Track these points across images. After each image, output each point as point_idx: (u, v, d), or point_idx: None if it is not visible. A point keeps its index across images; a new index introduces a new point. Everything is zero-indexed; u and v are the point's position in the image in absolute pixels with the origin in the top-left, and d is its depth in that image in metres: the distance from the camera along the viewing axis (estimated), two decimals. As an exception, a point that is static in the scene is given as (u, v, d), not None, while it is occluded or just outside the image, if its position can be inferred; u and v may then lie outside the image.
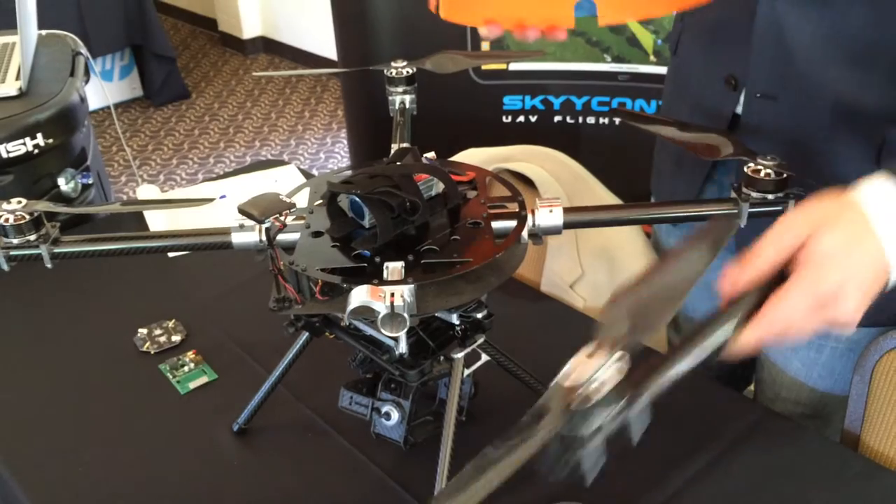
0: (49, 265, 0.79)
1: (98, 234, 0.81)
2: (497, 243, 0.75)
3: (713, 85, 0.96)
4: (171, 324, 1.13)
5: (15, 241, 0.77)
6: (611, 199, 1.19)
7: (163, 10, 4.76)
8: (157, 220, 1.33)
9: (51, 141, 1.32)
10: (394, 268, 0.72)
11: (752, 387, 1.19)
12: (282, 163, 1.57)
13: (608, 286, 1.14)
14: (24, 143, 1.29)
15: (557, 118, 2.06)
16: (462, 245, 0.76)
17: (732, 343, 0.62)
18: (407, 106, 1.06)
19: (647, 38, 1.91)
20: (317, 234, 0.78)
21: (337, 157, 3.43)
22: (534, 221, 0.78)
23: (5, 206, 0.77)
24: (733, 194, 0.79)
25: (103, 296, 1.22)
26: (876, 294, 0.64)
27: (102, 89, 2.88)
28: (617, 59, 1.96)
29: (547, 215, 0.78)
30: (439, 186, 0.81)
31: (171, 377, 1.04)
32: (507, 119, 2.05)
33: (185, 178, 3.31)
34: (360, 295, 0.67)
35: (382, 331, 0.68)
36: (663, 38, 1.90)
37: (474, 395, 0.93)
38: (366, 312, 0.67)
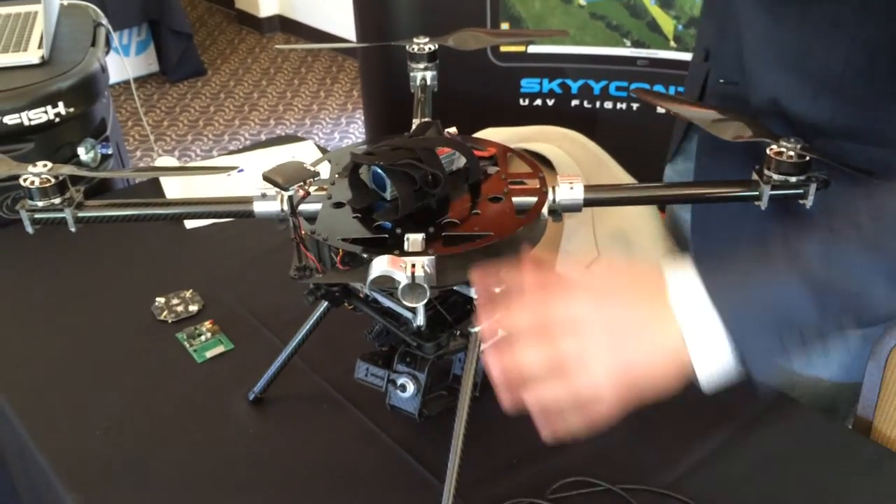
0: (73, 229, 0.79)
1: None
2: (518, 219, 0.76)
3: (698, 55, 0.99)
4: (188, 294, 1.14)
5: (40, 203, 0.78)
6: (629, 181, 1.19)
7: (180, -14, 4.76)
8: (174, 192, 1.34)
9: (72, 110, 1.33)
10: (414, 239, 0.72)
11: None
12: (300, 139, 1.57)
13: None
14: (46, 112, 1.29)
15: (575, 102, 2.05)
16: (482, 219, 0.76)
17: None
18: (428, 82, 1.06)
19: (667, 24, 1.90)
20: (338, 205, 0.79)
21: (352, 137, 3.43)
22: (554, 197, 0.79)
23: (31, 168, 0.77)
24: (755, 176, 0.79)
25: (121, 264, 1.23)
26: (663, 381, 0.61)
27: (123, 63, 2.89)
28: (637, 44, 1.95)
29: (567, 191, 0.79)
30: (461, 161, 0.82)
31: (187, 346, 1.05)
32: (524, 102, 2.05)
33: (200, 154, 3.32)
34: (380, 265, 0.68)
35: (402, 301, 0.68)
36: (684, 23, 1.89)
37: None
38: (386, 282, 0.68)
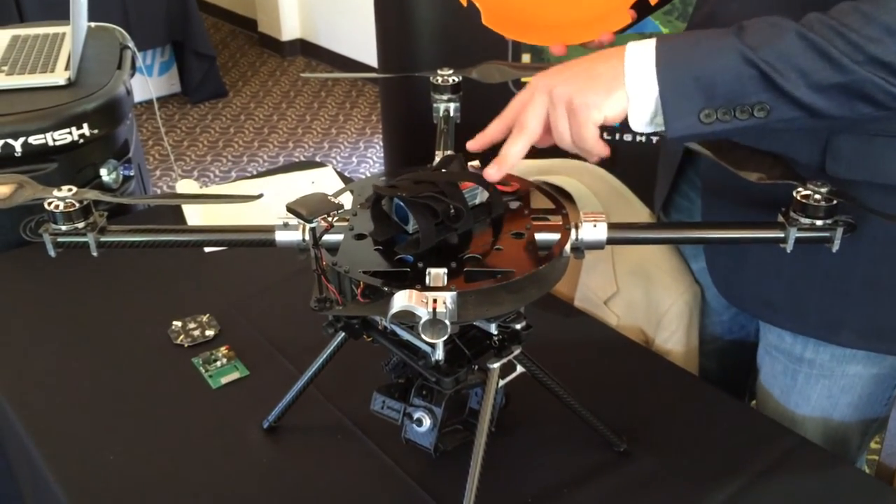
0: (95, 253, 0.80)
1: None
2: (540, 255, 0.75)
3: None
4: (204, 318, 1.14)
5: (63, 227, 0.78)
6: (649, 216, 1.18)
7: (204, 8, 4.81)
8: (194, 216, 1.34)
9: (96, 131, 1.34)
10: (436, 274, 0.72)
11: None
12: (319, 164, 1.58)
13: (643, 304, 1.14)
14: (70, 133, 1.30)
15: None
16: (505, 255, 0.76)
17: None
18: (451, 114, 1.06)
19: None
20: (360, 237, 0.79)
21: (369, 163, 3.44)
22: (577, 235, 0.78)
23: (56, 193, 0.78)
24: (780, 218, 0.78)
25: (138, 286, 1.23)
26: (610, 97, 0.73)
27: (147, 83, 2.92)
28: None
29: (591, 230, 0.78)
30: (483, 195, 0.81)
31: (203, 371, 1.05)
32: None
33: (219, 175, 3.34)
34: (402, 299, 0.67)
35: (423, 336, 0.68)
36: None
37: (505, 406, 0.93)
38: (407, 317, 0.67)
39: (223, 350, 1.08)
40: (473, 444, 0.80)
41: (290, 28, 4.54)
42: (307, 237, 0.78)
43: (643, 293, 1.14)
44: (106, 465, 0.91)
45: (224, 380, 1.03)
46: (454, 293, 0.69)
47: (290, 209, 0.71)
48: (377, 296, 0.73)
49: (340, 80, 4.24)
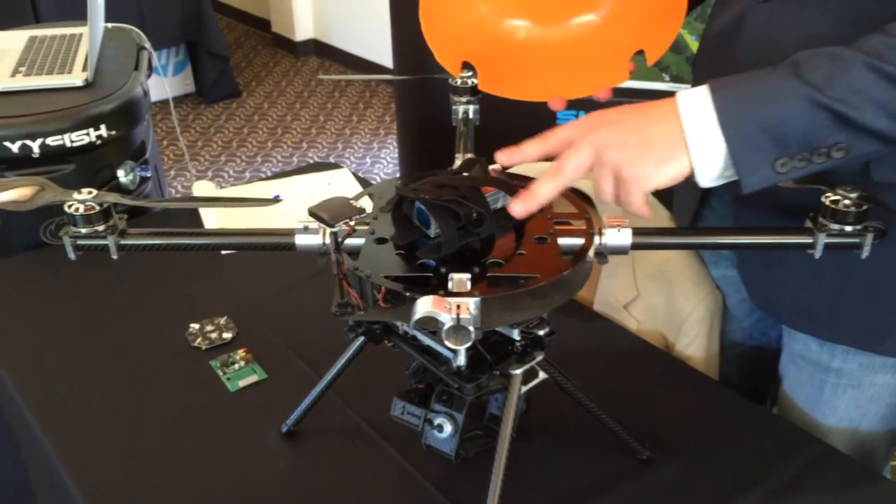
0: (115, 257, 0.79)
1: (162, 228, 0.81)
2: (564, 260, 0.74)
3: None
4: (222, 321, 1.14)
5: (83, 230, 0.77)
6: (668, 219, 1.17)
7: (218, 8, 4.82)
8: (211, 218, 1.34)
9: (114, 133, 1.34)
10: (459, 279, 0.71)
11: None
12: (335, 166, 1.57)
13: (664, 309, 1.12)
14: (88, 134, 1.30)
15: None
16: (528, 260, 0.75)
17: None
18: (470, 116, 1.05)
19: (707, 59, 1.89)
20: (380, 241, 0.78)
21: (383, 163, 3.44)
22: (601, 240, 0.77)
23: (76, 195, 0.77)
24: (808, 223, 0.77)
25: (155, 288, 1.22)
26: (666, 166, 0.70)
27: (163, 83, 2.92)
28: (676, 79, 1.93)
29: (615, 235, 0.77)
30: (506, 199, 0.80)
31: (221, 374, 1.04)
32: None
33: (233, 175, 3.35)
34: (425, 305, 0.66)
35: (446, 343, 0.67)
36: (724, 59, 1.87)
37: (526, 412, 0.92)
38: (430, 323, 0.67)
39: (241, 353, 1.08)
40: (495, 451, 0.79)
41: (303, 28, 4.54)
42: (328, 241, 0.77)
43: (664, 298, 1.13)
44: (125, 469, 0.91)
45: (242, 383, 1.03)
46: (477, 299, 0.68)
47: (311, 213, 0.70)
48: (399, 301, 0.72)
49: (354, 81, 4.24)
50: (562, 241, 0.77)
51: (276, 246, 0.80)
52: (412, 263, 0.74)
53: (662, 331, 1.14)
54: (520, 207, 0.73)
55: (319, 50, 4.57)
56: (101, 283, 1.23)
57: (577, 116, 2.31)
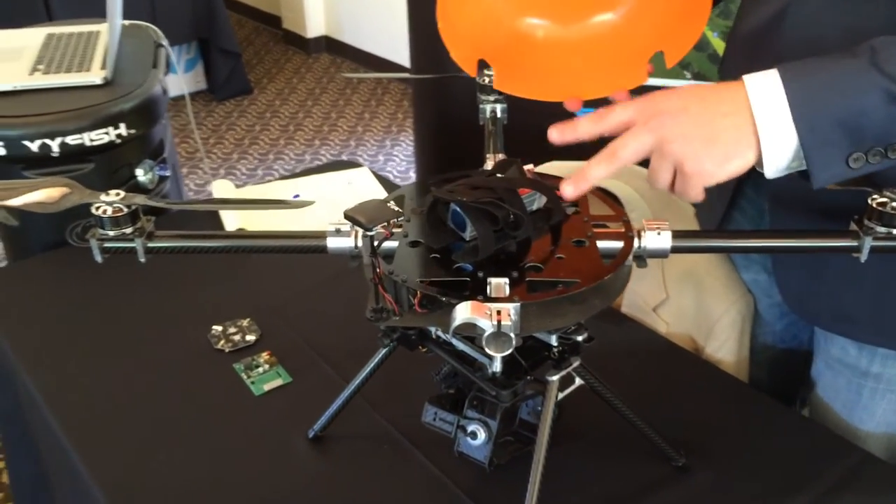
0: (143, 259, 0.78)
1: (190, 230, 0.80)
2: (604, 264, 0.72)
3: None
4: (244, 322, 1.12)
5: (111, 233, 0.76)
6: (694, 218, 1.15)
7: (229, 5, 4.79)
8: (230, 217, 1.32)
9: (133, 131, 1.32)
10: (498, 284, 0.69)
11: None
12: (355, 164, 1.55)
13: (693, 311, 1.10)
14: (108, 133, 1.29)
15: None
16: (567, 264, 0.73)
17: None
18: (498, 115, 1.03)
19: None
20: (414, 244, 0.76)
21: (396, 160, 3.42)
22: (640, 243, 0.75)
23: (103, 197, 0.76)
24: (853, 226, 0.75)
25: (175, 289, 1.21)
26: (734, 158, 0.67)
27: (179, 80, 2.91)
28: (697, 76, 1.91)
29: (655, 238, 0.75)
30: (541, 201, 0.79)
31: (245, 377, 1.03)
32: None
33: (246, 173, 3.33)
34: (464, 311, 0.65)
35: (486, 350, 0.65)
36: (747, 56, 1.84)
37: (559, 418, 0.90)
38: (469, 329, 0.65)
39: (265, 356, 1.06)
40: (528, 458, 0.77)
41: (314, 25, 4.52)
42: (360, 244, 0.76)
43: (693, 301, 1.10)
44: (151, 474, 0.90)
45: (267, 386, 1.01)
46: (517, 304, 0.66)
47: (348, 216, 0.68)
48: (435, 306, 0.70)
49: (365, 78, 4.22)
50: (601, 243, 0.75)
51: (307, 248, 0.78)
52: (448, 267, 0.73)
53: (692, 334, 1.12)
54: (570, 189, 0.71)
55: (331, 47, 4.55)
56: (121, 284, 1.21)
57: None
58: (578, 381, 0.80)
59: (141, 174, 1.38)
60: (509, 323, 0.64)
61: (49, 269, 1.27)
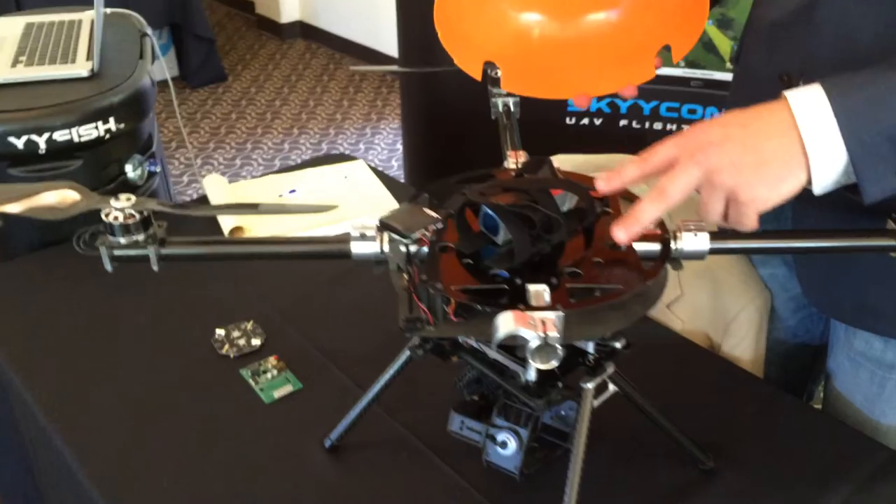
0: (156, 268, 0.74)
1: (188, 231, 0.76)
2: (645, 269, 0.70)
3: (767, 84, 0.91)
4: (249, 326, 1.08)
5: (122, 240, 0.72)
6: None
7: (200, -10, 4.71)
8: (227, 217, 1.28)
9: (122, 126, 1.27)
10: (538, 292, 0.66)
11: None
12: (350, 158, 1.51)
13: (709, 309, 1.09)
14: (97, 128, 1.23)
15: (623, 122, 1.99)
16: (607, 269, 0.70)
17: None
18: (511, 108, 1.00)
19: (724, 44, 1.85)
20: (443, 249, 0.73)
21: (377, 149, 3.37)
22: (677, 245, 0.73)
23: (114, 203, 0.71)
24: (891, 225, 0.73)
25: (174, 291, 1.16)
26: (785, 181, 0.66)
27: (162, 65, 2.82)
28: (691, 65, 1.89)
29: (692, 239, 0.73)
30: (572, 201, 0.76)
31: (253, 384, 0.99)
32: (570, 121, 1.99)
33: (223, 163, 3.26)
34: (508, 323, 0.62)
35: (532, 362, 0.62)
36: (742, 44, 1.83)
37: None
38: (513, 341, 0.62)
39: (272, 361, 1.02)
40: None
41: (289, 10, 4.44)
42: (386, 249, 0.72)
43: (709, 297, 1.09)
44: (159, 489, 0.86)
45: (277, 394, 0.98)
46: (561, 314, 0.64)
47: (385, 225, 0.65)
48: (470, 314, 0.67)
49: (342, 64, 4.16)
50: (638, 246, 0.73)
51: (329, 254, 0.75)
52: (482, 274, 0.70)
53: (707, 331, 1.11)
54: (623, 234, 0.68)
55: (306, 32, 4.47)
56: (113, 285, 1.15)
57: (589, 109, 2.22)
58: (612, 388, 0.78)
59: (130, 170, 1.33)
60: (556, 334, 0.61)
61: (33, 271, 1.21)
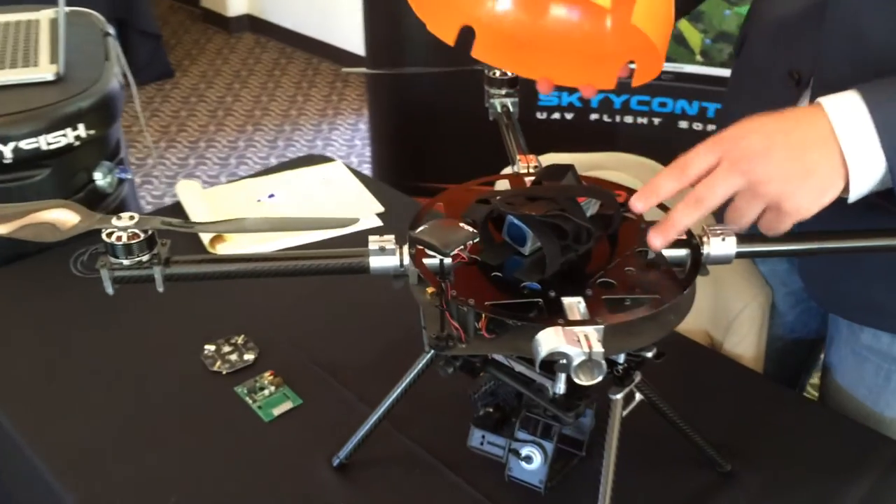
0: (161, 289, 0.69)
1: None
2: (679, 277, 0.68)
3: (775, 81, 0.91)
4: (239, 339, 1.04)
5: (125, 261, 0.67)
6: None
7: (141, -17, 4.55)
8: (198, 211, 1.22)
9: (92, 132, 1.20)
10: (570, 304, 0.64)
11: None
12: (328, 159, 1.47)
13: (710, 307, 1.08)
14: (65, 135, 1.17)
15: (594, 116, 1.99)
16: (639, 278, 0.68)
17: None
18: (510, 109, 0.97)
19: (695, 38, 1.85)
20: (469, 261, 0.70)
21: (335, 146, 3.31)
22: (704, 250, 0.71)
23: (115, 222, 0.67)
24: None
25: (158, 305, 1.08)
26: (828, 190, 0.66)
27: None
28: (667, 60, 1.89)
29: (719, 244, 0.71)
30: (595, 206, 0.74)
31: (250, 402, 0.95)
32: (541, 115, 1.98)
33: (176, 163, 3.17)
34: (550, 340, 0.59)
35: (576, 379, 0.60)
36: (712, 37, 1.84)
37: (596, 427, 0.86)
38: (555, 358, 0.60)
39: (268, 376, 0.98)
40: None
41: (236, 2, 4.33)
42: (406, 262, 0.69)
43: (710, 295, 1.08)
44: (163, 520, 0.81)
45: (276, 411, 0.93)
46: (601, 327, 0.61)
47: (419, 241, 0.61)
48: (502, 330, 0.65)
49: (294, 58, 4.08)
50: (668, 252, 0.71)
51: (346, 269, 0.71)
52: (511, 286, 0.67)
53: (707, 329, 1.10)
54: (659, 241, 0.67)
55: (255, 26, 4.37)
56: (92, 298, 1.09)
57: (559, 97, 2.20)
58: (638, 397, 0.76)
59: (100, 178, 1.26)
60: (601, 349, 0.59)
61: (11, 283, 1.14)
